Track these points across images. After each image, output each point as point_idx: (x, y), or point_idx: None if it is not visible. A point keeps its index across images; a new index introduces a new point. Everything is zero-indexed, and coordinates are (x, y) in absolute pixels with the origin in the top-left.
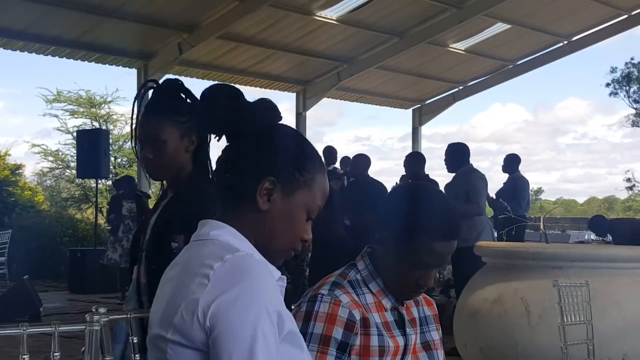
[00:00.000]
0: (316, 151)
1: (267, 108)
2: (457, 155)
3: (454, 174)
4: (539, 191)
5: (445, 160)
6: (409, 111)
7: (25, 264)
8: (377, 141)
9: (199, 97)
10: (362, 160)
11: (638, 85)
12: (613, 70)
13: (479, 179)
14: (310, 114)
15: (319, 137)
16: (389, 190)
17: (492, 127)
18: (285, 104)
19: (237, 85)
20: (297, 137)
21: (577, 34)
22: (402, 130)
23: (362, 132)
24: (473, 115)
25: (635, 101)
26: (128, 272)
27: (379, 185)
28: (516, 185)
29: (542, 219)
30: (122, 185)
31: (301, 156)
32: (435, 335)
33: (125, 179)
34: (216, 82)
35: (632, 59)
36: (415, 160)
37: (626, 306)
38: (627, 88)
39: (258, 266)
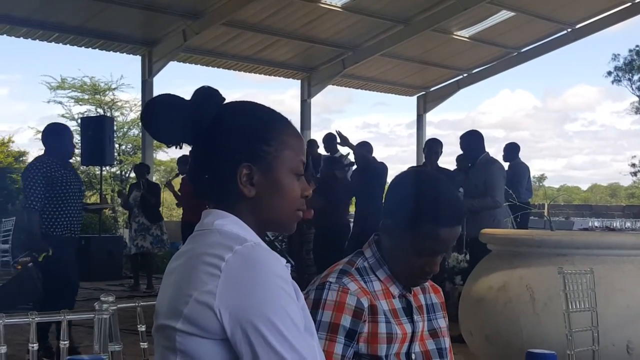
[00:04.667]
0: (270, 110)
1: (205, 98)
2: (472, 144)
3: (470, 165)
4: (542, 178)
5: (463, 152)
6: (414, 98)
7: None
8: (384, 128)
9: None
10: (365, 148)
11: None
12: (615, 57)
13: (499, 170)
14: (318, 100)
15: (326, 124)
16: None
17: (500, 114)
18: (291, 90)
19: (241, 73)
20: (246, 111)
21: (581, 21)
22: (409, 117)
23: (371, 119)
24: (481, 101)
25: (639, 88)
26: None
27: (382, 167)
28: (515, 172)
29: (546, 206)
30: (136, 173)
31: (260, 128)
32: (442, 322)
33: (136, 166)
34: (156, 95)
35: (637, 46)
36: (432, 146)
37: (630, 293)
38: (630, 75)
39: (268, 255)
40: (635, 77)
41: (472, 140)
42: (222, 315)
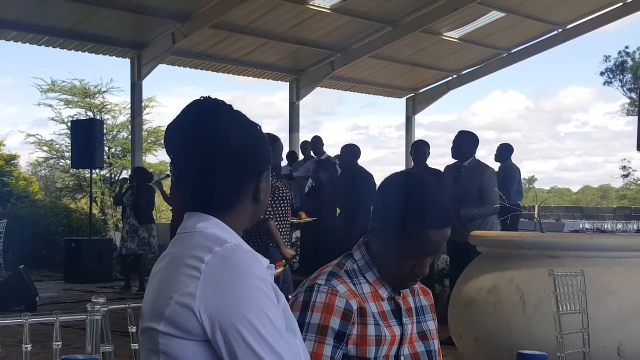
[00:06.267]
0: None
1: (206, 113)
2: (466, 144)
3: (456, 161)
4: (532, 180)
5: (453, 148)
6: (404, 100)
7: (21, 254)
8: (374, 130)
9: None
10: (351, 150)
11: (632, 75)
12: (607, 59)
13: (493, 175)
14: (308, 103)
15: (316, 127)
16: (374, 179)
17: (492, 115)
18: (280, 93)
19: (230, 75)
20: (254, 126)
21: (572, 22)
22: (399, 119)
23: (361, 121)
24: (473, 103)
25: (630, 90)
26: None
27: (367, 175)
28: (506, 174)
29: (537, 208)
30: (132, 175)
31: (264, 139)
32: (432, 325)
33: (135, 170)
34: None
35: (626, 47)
36: (419, 148)
37: (621, 295)
38: (622, 77)
39: (248, 256)
40: (627, 79)
41: (467, 140)
42: (202, 316)
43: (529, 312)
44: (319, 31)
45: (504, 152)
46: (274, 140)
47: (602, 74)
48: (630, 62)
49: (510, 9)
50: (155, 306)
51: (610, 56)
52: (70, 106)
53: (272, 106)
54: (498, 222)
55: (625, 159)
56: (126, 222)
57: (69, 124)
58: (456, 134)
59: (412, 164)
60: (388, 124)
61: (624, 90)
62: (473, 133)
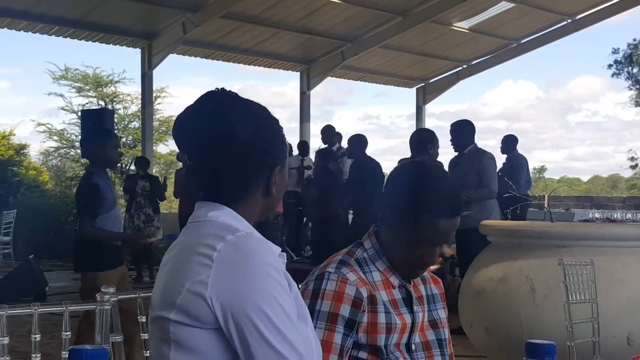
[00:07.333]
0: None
1: (215, 104)
2: (463, 133)
3: (457, 153)
4: (542, 169)
5: (451, 140)
6: (414, 90)
7: (30, 244)
8: (385, 119)
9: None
10: (360, 140)
11: (639, 68)
12: (615, 51)
13: (490, 159)
14: (319, 92)
15: (328, 116)
16: (382, 168)
17: (503, 105)
18: (292, 82)
19: (241, 65)
20: (263, 115)
21: (581, 12)
22: (410, 109)
23: (372, 111)
24: (484, 92)
25: (637, 82)
26: None
27: (375, 165)
28: (513, 165)
29: (546, 197)
30: (137, 164)
31: (279, 131)
32: (442, 313)
33: (139, 159)
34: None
35: (634, 40)
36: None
37: (631, 284)
38: (630, 69)
39: (260, 244)
40: (635, 71)
41: (463, 129)
42: (214, 304)
43: (539, 302)
44: (329, 21)
45: (509, 143)
46: None
47: (609, 66)
48: (637, 55)
49: None
50: (165, 295)
51: (618, 48)
52: (82, 94)
53: (284, 95)
54: (498, 209)
55: (631, 149)
56: (140, 212)
57: (79, 113)
58: (452, 124)
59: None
60: (399, 114)
61: (631, 82)
62: (467, 120)
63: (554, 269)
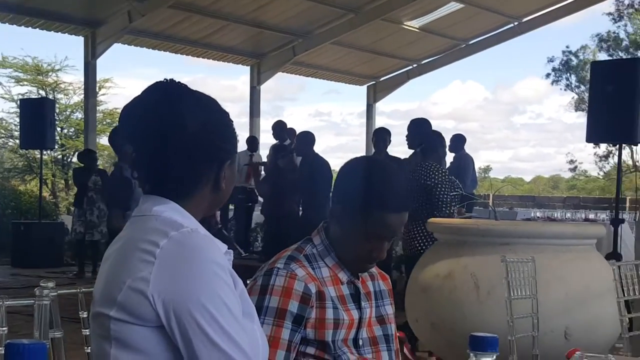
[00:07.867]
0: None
1: (166, 94)
2: (418, 131)
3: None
4: (487, 169)
5: (407, 136)
6: (364, 87)
7: None
8: (336, 117)
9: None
10: (307, 138)
11: (575, 74)
12: (550, 59)
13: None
14: (270, 87)
15: (279, 112)
16: (329, 166)
17: (451, 105)
18: (243, 76)
19: (189, 57)
20: (213, 108)
21: (528, 15)
22: (360, 107)
23: (323, 108)
24: (433, 92)
25: (577, 86)
26: None
27: (323, 162)
28: (460, 164)
29: (491, 196)
30: (87, 158)
31: (230, 125)
32: (390, 309)
33: (89, 152)
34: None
35: (567, 47)
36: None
37: (569, 281)
38: (568, 75)
39: (204, 241)
40: (573, 78)
41: (420, 127)
42: (156, 302)
43: (483, 298)
44: (280, 15)
45: (457, 142)
46: None
47: (547, 75)
48: (574, 61)
49: (468, 0)
50: (107, 291)
51: (553, 56)
52: (21, 84)
53: (234, 89)
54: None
55: (569, 153)
56: (93, 207)
57: (18, 102)
58: (410, 121)
59: (373, 150)
60: (350, 111)
61: (572, 87)
62: (425, 119)
63: (498, 266)
